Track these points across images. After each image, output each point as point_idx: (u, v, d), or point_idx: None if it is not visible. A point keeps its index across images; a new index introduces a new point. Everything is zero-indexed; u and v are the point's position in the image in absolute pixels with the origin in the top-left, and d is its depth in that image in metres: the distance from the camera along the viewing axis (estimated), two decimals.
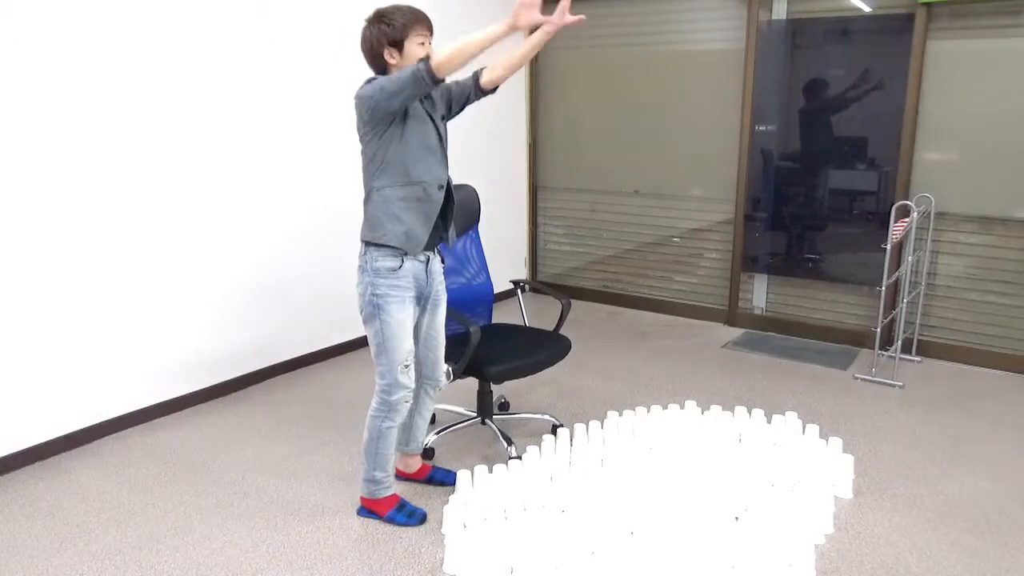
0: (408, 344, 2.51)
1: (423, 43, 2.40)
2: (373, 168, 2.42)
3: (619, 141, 5.25)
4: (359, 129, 2.41)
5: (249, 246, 3.78)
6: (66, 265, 3.08)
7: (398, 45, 2.37)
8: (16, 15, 2.81)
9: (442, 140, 2.51)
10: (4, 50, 2.80)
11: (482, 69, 2.56)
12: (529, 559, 2.34)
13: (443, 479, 2.88)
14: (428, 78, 2.22)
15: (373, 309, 2.46)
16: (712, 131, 4.86)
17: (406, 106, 2.33)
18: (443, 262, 2.70)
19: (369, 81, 2.37)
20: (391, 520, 2.62)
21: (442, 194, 2.49)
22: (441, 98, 2.55)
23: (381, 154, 2.39)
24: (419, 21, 2.40)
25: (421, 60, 2.23)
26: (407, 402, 2.58)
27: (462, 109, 2.62)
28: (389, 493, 2.65)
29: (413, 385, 2.58)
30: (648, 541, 2.44)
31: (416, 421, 2.84)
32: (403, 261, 2.46)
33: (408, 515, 2.63)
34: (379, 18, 2.38)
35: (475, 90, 2.58)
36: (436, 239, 2.57)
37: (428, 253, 2.56)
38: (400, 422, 2.60)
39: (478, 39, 2.26)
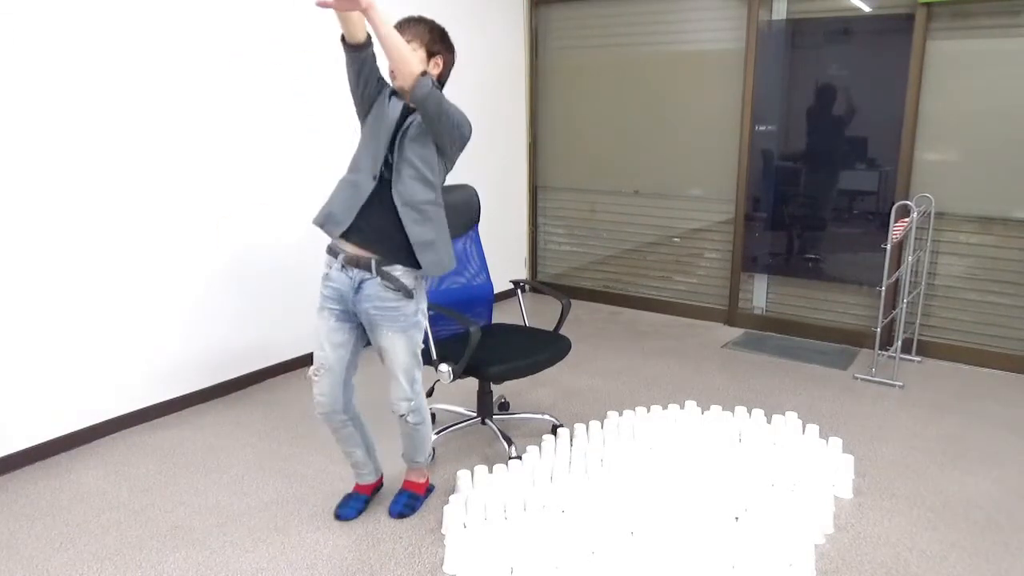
0: (318, 353, 2.51)
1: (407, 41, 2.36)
2: None
3: (619, 141, 5.25)
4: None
5: (250, 245, 3.78)
6: (66, 265, 3.08)
7: None
8: (15, 15, 2.82)
9: (394, 126, 2.39)
10: None
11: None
12: (529, 559, 2.34)
13: (401, 511, 2.70)
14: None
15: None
16: (712, 131, 4.86)
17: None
18: (399, 291, 2.41)
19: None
20: None
21: (371, 184, 2.37)
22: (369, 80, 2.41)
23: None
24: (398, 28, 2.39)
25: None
26: (320, 412, 2.55)
27: (359, 81, 2.42)
28: (356, 481, 2.77)
29: (321, 397, 2.51)
30: (648, 541, 2.44)
31: (403, 440, 2.70)
32: (330, 269, 2.47)
33: (339, 504, 2.73)
34: None
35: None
36: (378, 259, 2.39)
37: (362, 272, 2.40)
38: (327, 425, 2.61)
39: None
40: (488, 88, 5.12)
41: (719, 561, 2.34)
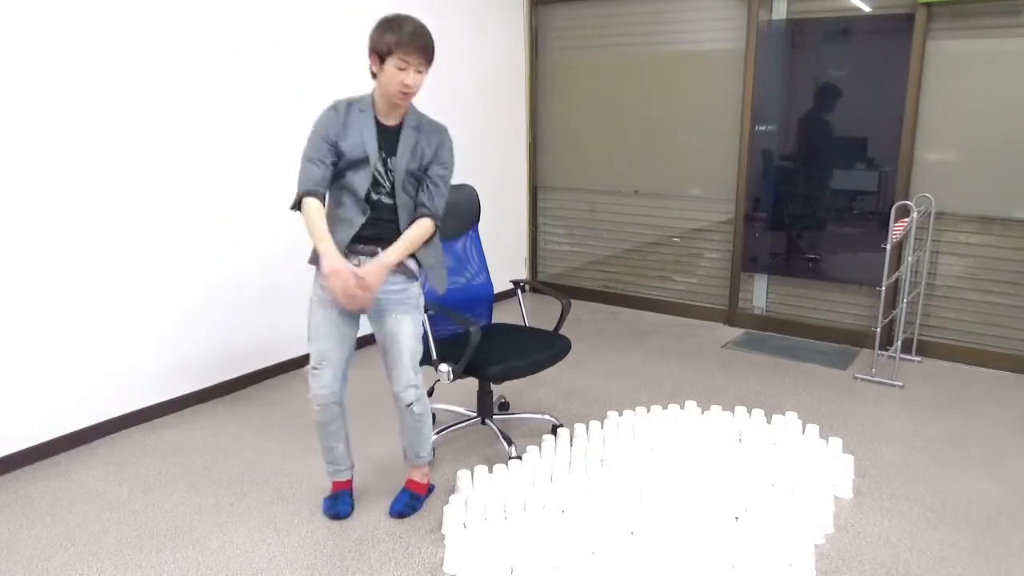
0: (319, 346, 2.49)
1: (403, 68, 2.31)
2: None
3: (619, 141, 5.25)
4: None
5: (249, 246, 3.78)
6: (66, 266, 3.08)
7: (381, 58, 2.32)
8: (15, 15, 2.82)
9: (380, 186, 2.45)
10: None
11: (417, 220, 2.48)
12: (529, 559, 2.34)
13: (401, 511, 2.71)
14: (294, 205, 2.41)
15: (308, 306, 2.55)
16: (712, 131, 4.86)
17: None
18: (404, 273, 2.52)
19: (332, 106, 2.43)
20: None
21: (364, 216, 2.44)
22: (411, 151, 2.48)
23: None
24: (403, 46, 2.29)
25: (295, 199, 2.40)
26: (319, 405, 2.53)
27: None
28: (335, 479, 2.73)
29: (323, 391, 2.50)
30: (648, 541, 2.44)
31: (404, 437, 2.69)
32: None
33: (329, 506, 2.70)
34: (383, 24, 2.33)
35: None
36: (372, 248, 2.48)
37: (360, 258, 2.47)
38: (320, 419, 2.55)
39: (313, 233, 2.38)
40: (488, 88, 5.12)
41: (719, 561, 2.34)
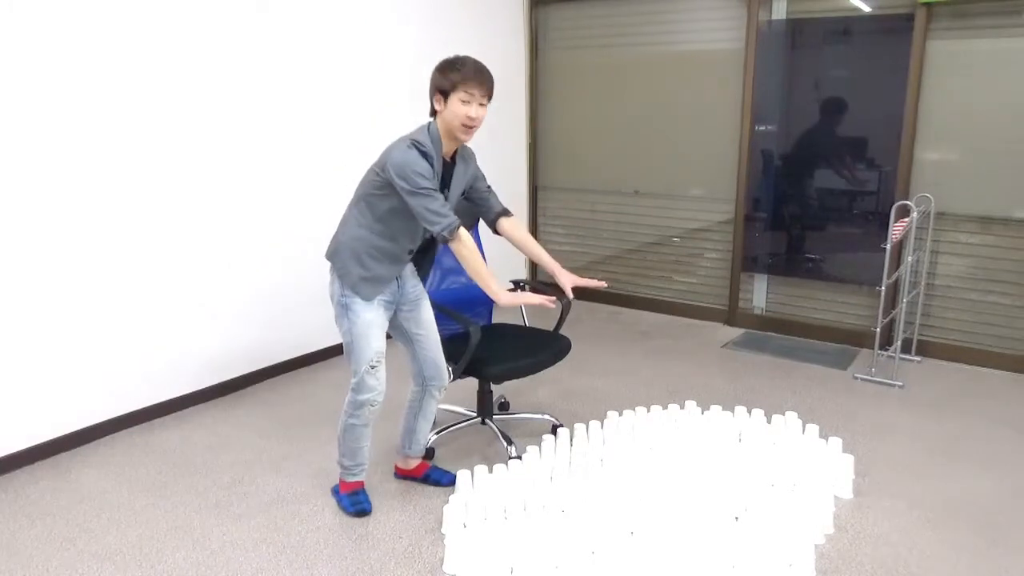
0: (376, 344, 2.55)
1: (467, 100, 2.43)
2: (363, 197, 2.52)
3: (619, 141, 5.25)
4: (376, 165, 2.48)
5: (250, 247, 3.78)
6: (67, 266, 3.08)
7: (444, 94, 2.44)
8: (16, 15, 2.82)
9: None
10: (4, 50, 2.80)
11: (504, 217, 2.77)
12: (529, 559, 2.34)
13: (439, 479, 2.89)
14: (439, 239, 2.41)
15: (341, 309, 2.56)
16: (712, 131, 4.86)
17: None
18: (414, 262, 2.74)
19: (414, 146, 2.40)
20: (337, 500, 2.76)
21: (410, 256, 2.62)
22: (462, 180, 2.66)
23: (376, 196, 2.49)
24: (468, 81, 2.42)
25: (449, 229, 2.37)
26: (374, 405, 2.60)
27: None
28: (352, 479, 2.74)
29: (381, 387, 2.59)
30: (648, 541, 2.44)
31: (419, 424, 2.84)
32: None
33: (352, 503, 2.70)
34: (445, 64, 2.45)
35: (490, 220, 2.79)
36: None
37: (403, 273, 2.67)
38: (367, 421, 2.63)
39: (480, 275, 2.49)
40: None
41: (719, 561, 2.34)
